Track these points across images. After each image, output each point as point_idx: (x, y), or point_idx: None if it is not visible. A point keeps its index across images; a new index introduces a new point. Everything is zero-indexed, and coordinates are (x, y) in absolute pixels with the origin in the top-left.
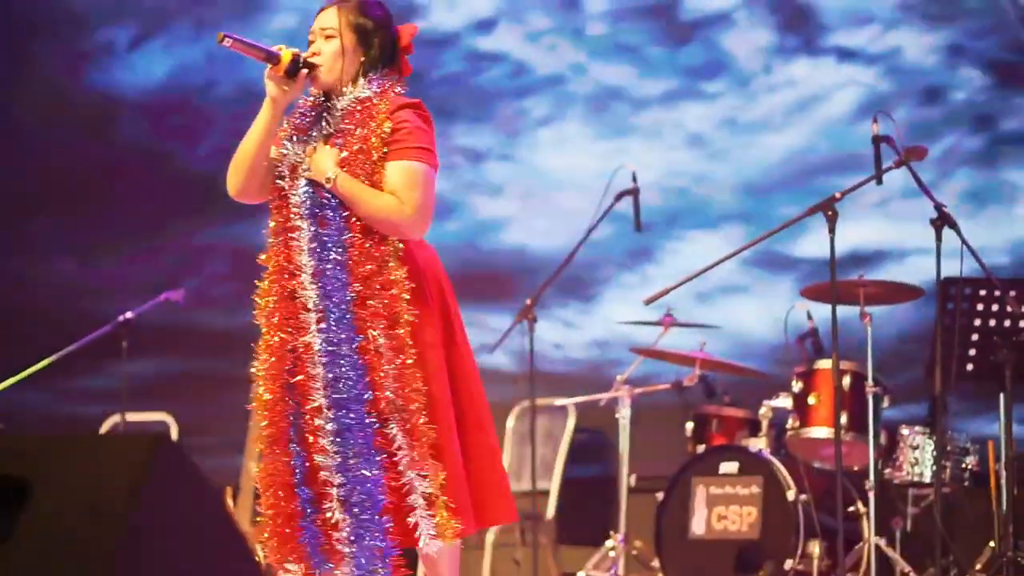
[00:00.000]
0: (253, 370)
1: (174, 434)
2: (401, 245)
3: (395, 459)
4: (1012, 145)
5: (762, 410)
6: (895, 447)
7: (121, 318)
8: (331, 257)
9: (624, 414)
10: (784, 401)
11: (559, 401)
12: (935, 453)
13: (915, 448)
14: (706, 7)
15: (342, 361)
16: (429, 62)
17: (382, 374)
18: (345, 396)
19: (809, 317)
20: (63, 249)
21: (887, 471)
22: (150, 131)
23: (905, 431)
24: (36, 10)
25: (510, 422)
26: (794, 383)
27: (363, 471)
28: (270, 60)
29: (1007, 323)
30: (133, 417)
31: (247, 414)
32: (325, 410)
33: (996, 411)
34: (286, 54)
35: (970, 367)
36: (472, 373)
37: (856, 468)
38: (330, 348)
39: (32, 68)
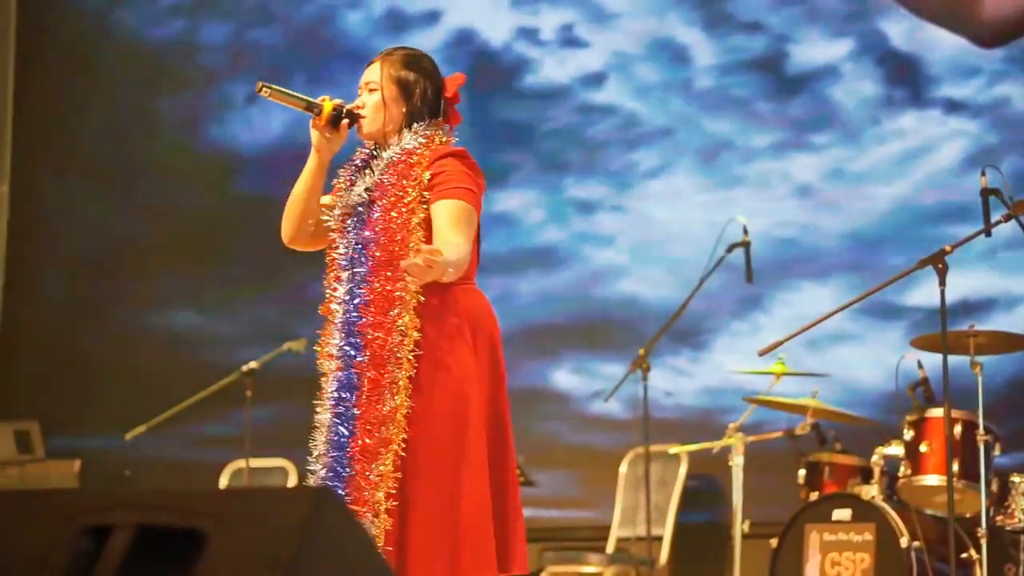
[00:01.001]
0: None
1: (293, 479)
2: (426, 292)
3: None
4: None
5: (874, 458)
6: (1006, 494)
7: (245, 368)
8: (355, 303)
9: (737, 462)
10: (895, 449)
11: (672, 450)
12: None
13: None
14: (813, 60)
15: (342, 408)
16: (540, 115)
17: (368, 419)
18: (337, 441)
19: (920, 366)
20: (183, 300)
21: (999, 518)
22: (268, 183)
23: (1016, 478)
24: (158, 66)
25: (623, 468)
26: (905, 431)
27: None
28: (311, 110)
29: None
30: (254, 463)
31: None
32: (323, 456)
33: None
34: (327, 104)
35: None
36: (509, 431)
37: (968, 515)
38: (339, 395)
39: (154, 122)
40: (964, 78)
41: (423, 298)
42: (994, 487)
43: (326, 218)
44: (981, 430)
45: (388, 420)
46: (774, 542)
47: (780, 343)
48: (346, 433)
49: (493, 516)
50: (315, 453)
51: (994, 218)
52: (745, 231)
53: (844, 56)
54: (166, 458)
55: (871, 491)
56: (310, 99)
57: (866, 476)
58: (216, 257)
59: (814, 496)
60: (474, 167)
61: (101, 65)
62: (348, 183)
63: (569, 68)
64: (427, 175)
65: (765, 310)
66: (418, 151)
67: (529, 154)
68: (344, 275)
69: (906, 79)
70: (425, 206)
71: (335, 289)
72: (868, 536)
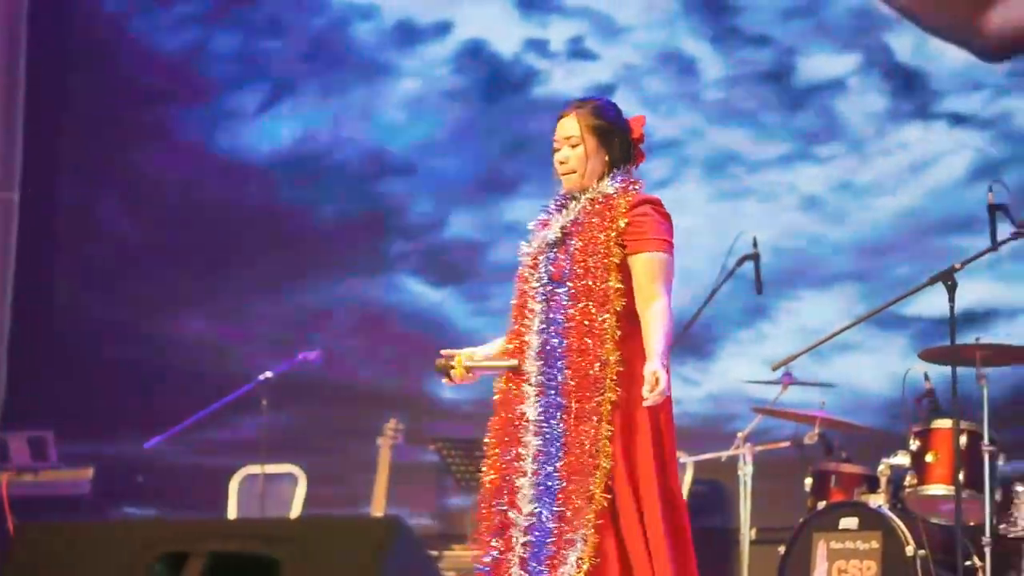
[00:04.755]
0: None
1: (302, 485)
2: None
3: (569, 517)
4: None
5: (880, 467)
6: (1010, 503)
7: (262, 377)
8: (554, 331)
9: (746, 471)
10: (902, 459)
11: (681, 459)
12: None
13: None
14: (820, 73)
15: (548, 428)
16: (550, 126)
17: (577, 438)
18: (546, 459)
19: (926, 378)
20: (194, 308)
21: (1003, 526)
22: (278, 192)
23: (1020, 488)
24: (170, 74)
25: None
26: (911, 441)
27: (546, 525)
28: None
29: None
30: (266, 469)
31: (372, 466)
32: (530, 474)
33: None
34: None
35: None
36: (673, 457)
37: (972, 524)
38: (546, 418)
39: (165, 131)
40: (969, 92)
41: (619, 331)
42: (998, 496)
43: (523, 257)
44: (986, 441)
45: (596, 440)
46: (782, 549)
47: (794, 357)
48: (556, 453)
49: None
50: (508, 468)
51: (1000, 233)
52: (755, 243)
53: (851, 69)
54: (177, 464)
55: (877, 500)
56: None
57: (872, 485)
58: (227, 265)
59: (821, 504)
60: (668, 216)
61: (114, 72)
62: (543, 223)
63: (578, 80)
64: (623, 222)
65: (771, 319)
66: (615, 196)
67: (538, 165)
68: (537, 307)
69: (912, 92)
70: (621, 249)
71: (525, 319)
72: (875, 544)
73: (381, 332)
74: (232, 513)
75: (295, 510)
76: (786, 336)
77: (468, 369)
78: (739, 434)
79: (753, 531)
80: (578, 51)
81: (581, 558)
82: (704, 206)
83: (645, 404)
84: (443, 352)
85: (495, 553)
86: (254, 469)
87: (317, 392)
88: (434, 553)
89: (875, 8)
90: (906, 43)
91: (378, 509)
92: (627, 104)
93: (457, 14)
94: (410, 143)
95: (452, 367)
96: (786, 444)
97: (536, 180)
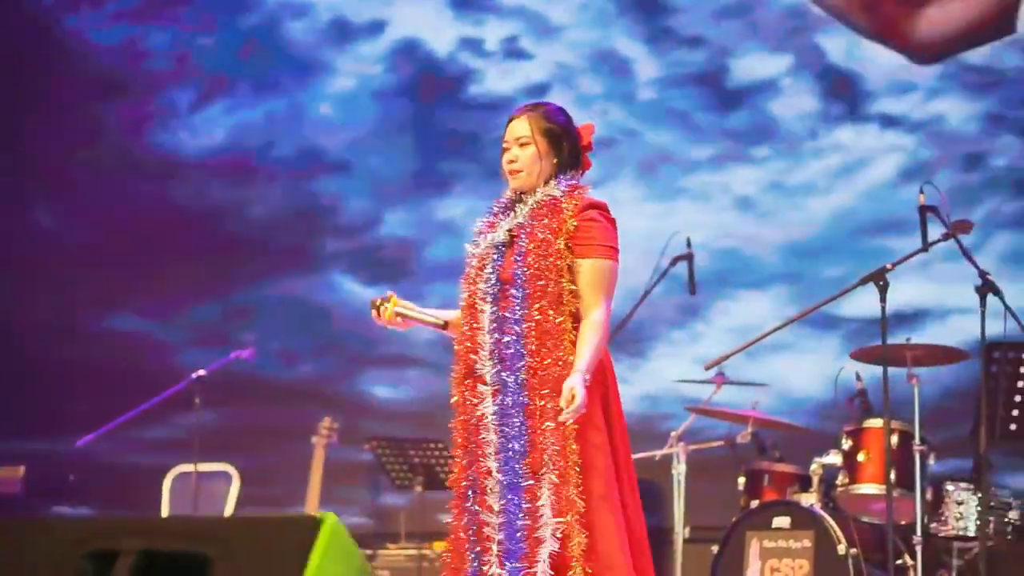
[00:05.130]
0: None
1: (236, 484)
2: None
3: (538, 514)
4: None
5: (812, 466)
6: (941, 502)
7: (195, 375)
8: (510, 331)
9: (680, 470)
10: (833, 458)
11: None
12: (979, 508)
13: (960, 503)
14: (753, 74)
15: (510, 426)
16: (484, 125)
17: (541, 436)
18: (511, 456)
19: (858, 378)
20: (124, 304)
21: (933, 525)
22: (211, 190)
23: (950, 487)
24: (103, 71)
25: None
26: (843, 441)
27: (517, 522)
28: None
29: None
30: (200, 468)
31: (306, 465)
32: (495, 472)
33: None
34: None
35: (1013, 426)
36: (628, 459)
37: (903, 523)
38: (503, 416)
39: (98, 127)
40: (900, 94)
41: (573, 335)
42: (929, 496)
43: (469, 260)
44: (917, 440)
45: (563, 438)
46: (715, 548)
47: (727, 357)
48: (520, 451)
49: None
50: (470, 466)
51: (931, 234)
52: (689, 244)
53: (783, 71)
54: (110, 462)
55: (810, 499)
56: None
57: (804, 484)
58: (160, 263)
59: (754, 503)
60: (614, 222)
61: (47, 69)
62: (489, 225)
63: (513, 79)
64: (573, 223)
65: (704, 319)
66: (563, 200)
67: (473, 163)
68: (487, 308)
69: (844, 94)
70: (569, 252)
71: (475, 319)
72: (807, 543)
73: (315, 331)
74: (165, 512)
75: (229, 509)
76: (720, 336)
77: (399, 315)
78: (673, 433)
79: (687, 530)
80: (513, 50)
81: (553, 554)
82: (638, 206)
83: (561, 419)
84: (386, 293)
85: (473, 554)
86: (187, 468)
87: (251, 390)
88: (368, 552)
89: (808, 10)
90: (838, 45)
91: (312, 508)
92: (562, 103)
93: (391, 13)
94: (344, 141)
95: (385, 306)
96: (719, 443)
97: (470, 179)
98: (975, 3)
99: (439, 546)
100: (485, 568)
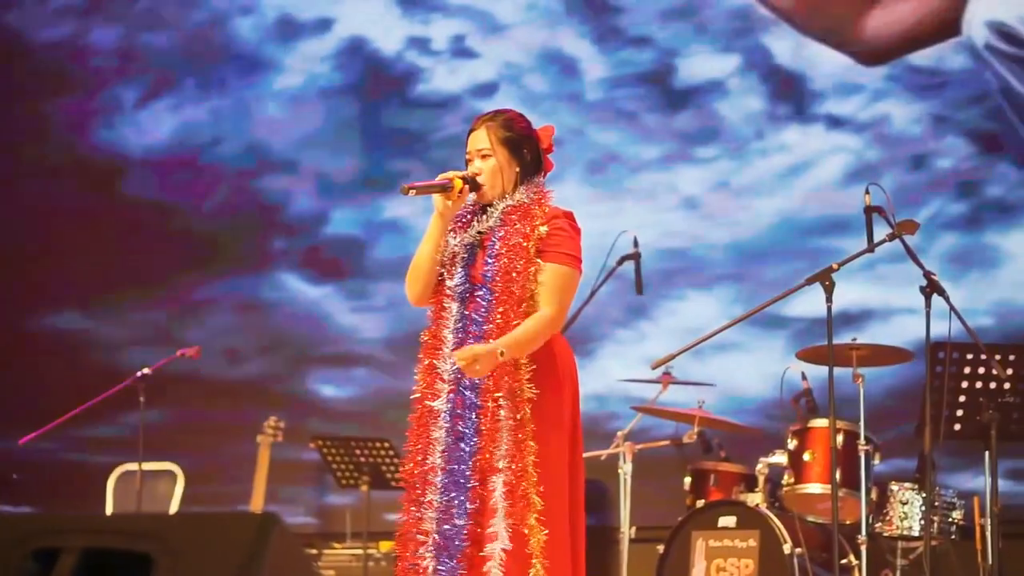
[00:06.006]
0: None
1: (181, 483)
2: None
3: (490, 514)
4: (994, 211)
5: (758, 466)
6: (885, 502)
7: (139, 373)
8: (474, 332)
9: (626, 469)
10: (779, 457)
11: None
12: (923, 508)
13: (904, 503)
14: (700, 75)
15: (462, 424)
16: (431, 124)
17: (495, 437)
18: (458, 455)
19: (804, 378)
20: (68, 302)
21: (878, 525)
22: (156, 187)
23: (895, 487)
24: (47, 67)
25: None
26: (789, 440)
27: (455, 522)
28: (445, 191)
29: (992, 385)
30: (144, 467)
31: (251, 464)
32: (438, 469)
33: (980, 467)
34: (458, 183)
35: (957, 427)
36: (581, 461)
37: (848, 522)
38: (454, 415)
39: (41, 124)
40: (846, 95)
41: None
42: (874, 495)
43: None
44: (862, 440)
45: (516, 440)
46: (661, 548)
47: (673, 356)
48: (468, 449)
49: None
50: (418, 463)
51: (876, 234)
52: (635, 243)
53: (730, 71)
54: (54, 461)
55: (755, 499)
56: (443, 183)
57: (750, 484)
58: (105, 260)
59: (700, 503)
60: (579, 231)
61: None
62: (458, 227)
63: (460, 78)
64: (544, 228)
65: (651, 319)
66: (531, 206)
67: (420, 162)
68: (454, 306)
69: (790, 95)
70: (538, 255)
71: (441, 316)
72: (752, 543)
73: (261, 329)
74: (109, 511)
75: (173, 508)
76: (666, 335)
77: (416, 192)
78: (619, 433)
79: (632, 530)
80: (460, 49)
81: (498, 554)
82: (585, 206)
83: (450, 359)
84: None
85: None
86: (132, 466)
87: (196, 389)
88: (314, 551)
89: (754, 11)
90: (785, 46)
91: (257, 507)
92: (508, 102)
93: (338, 11)
94: (290, 139)
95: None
96: (665, 443)
97: (417, 177)
98: (920, 5)
99: (385, 546)
100: (420, 561)
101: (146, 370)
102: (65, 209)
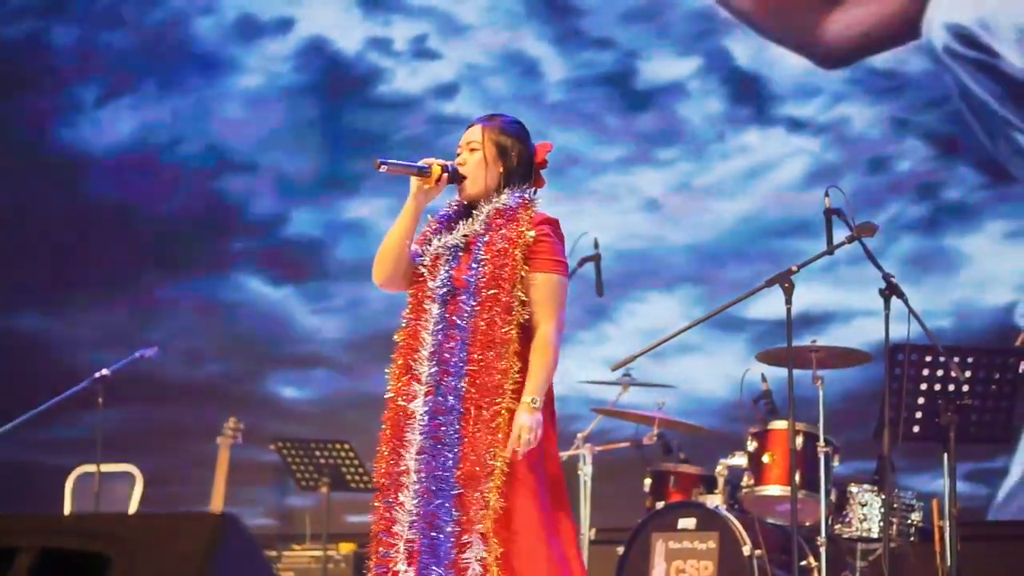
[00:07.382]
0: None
1: (139, 485)
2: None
3: (463, 519)
4: (953, 214)
5: (718, 468)
6: (845, 504)
7: (98, 374)
8: (455, 336)
9: (586, 471)
10: (739, 459)
11: None
12: (883, 510)
13: (864, 505)
14: (661, 77)
15: (442, 430)
16: (392, 125)
17: (472, 443)
18: (444, 463)
19: (763, 379)
20: (26, 302)
21: (837, 527)
22: (116, 187)
23: (854, 488)
24: (6, 66)
25: None
26: (748, 442)
27: (446, 528)
28: (422, 174)
29: (951, 387)
30: (102, 468)
31: (211, 465)
32: (412, 472)
33: (939, 469)
34: (436, 168)
35: (916, 429)
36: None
37: (808, 524)
38: (434, 418)
39: (2, 123)
40: (806, 97)
41: (518, 346)
42: (833, 497)
43: (421, 259)
44: (822, 442)
45: (492, 446)
46: (620, 549)
47: (633, 358)
48: (450, 456)
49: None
50: (394, 468)
51: (836, 237)
52: (596, 245)
53: (691, 73)
54: (12, 462)
55: (715, 500)
56: (420, 165)
57: (710, 485)
58: (64, 260)
59: (660, 505)
60: (563, 238)
61: None
62: (442, 227)
63: (421, 79)
64: (531, 234)
65: (612, 320)
66: (519, 211)
67: None
68: (435, 308)
69: (750, 97)
70: (525, 261)
71: (421, 318)
72: (712, 544)
73: (221, 330)
74: (68, 513)
75: (132, 509)
76: (627, 337)
77: (388, 168)
78: (579, 435)
79: (592, 531)
80: (421, 50)
81: (481, 560)
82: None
83: (512, 451)
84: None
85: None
86: (90, 468)
87: (155, 390)
88: (273, 553)
89: (715, 13)
90: (745, 48)
91: (217, 509)
92: (469, 104)
93: (298, 11)
94: (251, 140)
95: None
96: (625, 445)
97: (377, 178)
98: (880, 8)
99: (345, 548)
100: (391, 565)
101: (105, 371)
102: (23, 208)
